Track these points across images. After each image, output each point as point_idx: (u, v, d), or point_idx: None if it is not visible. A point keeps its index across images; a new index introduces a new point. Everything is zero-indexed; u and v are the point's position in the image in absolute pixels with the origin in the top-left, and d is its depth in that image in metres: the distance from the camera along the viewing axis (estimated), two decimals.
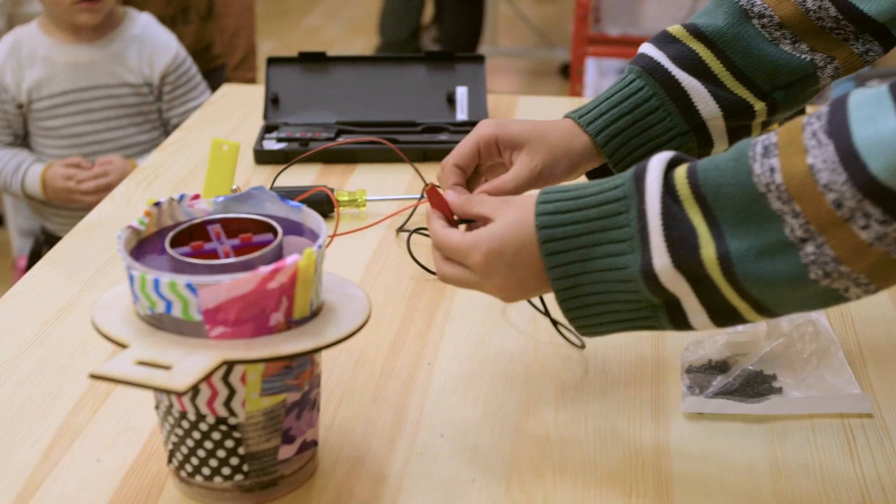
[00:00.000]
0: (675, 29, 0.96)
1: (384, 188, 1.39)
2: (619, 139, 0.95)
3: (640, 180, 0.77)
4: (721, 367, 0.98)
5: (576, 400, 0.96)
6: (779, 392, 0.95)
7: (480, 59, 1.62)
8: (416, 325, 1.08)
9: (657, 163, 0.78)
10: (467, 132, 1.54)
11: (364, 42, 4.92)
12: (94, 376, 0.71)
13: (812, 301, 0.74)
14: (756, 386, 0.96)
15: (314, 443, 0.86)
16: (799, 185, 0.70)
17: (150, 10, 2.08)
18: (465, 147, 0.95)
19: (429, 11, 4.70)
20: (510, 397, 0.96)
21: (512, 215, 0.82)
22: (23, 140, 1.91)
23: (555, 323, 1.03)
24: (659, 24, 3.29)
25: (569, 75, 4.27)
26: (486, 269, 0.82)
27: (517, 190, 0.93)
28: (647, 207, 0.76)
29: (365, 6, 5.53)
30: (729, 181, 0.73)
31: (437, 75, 1.62)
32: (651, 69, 0.95)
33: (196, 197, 0.86)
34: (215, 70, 2.31)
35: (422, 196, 1.21)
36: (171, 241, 0.81)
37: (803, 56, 0.95)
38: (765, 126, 0.98)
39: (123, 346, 0.76)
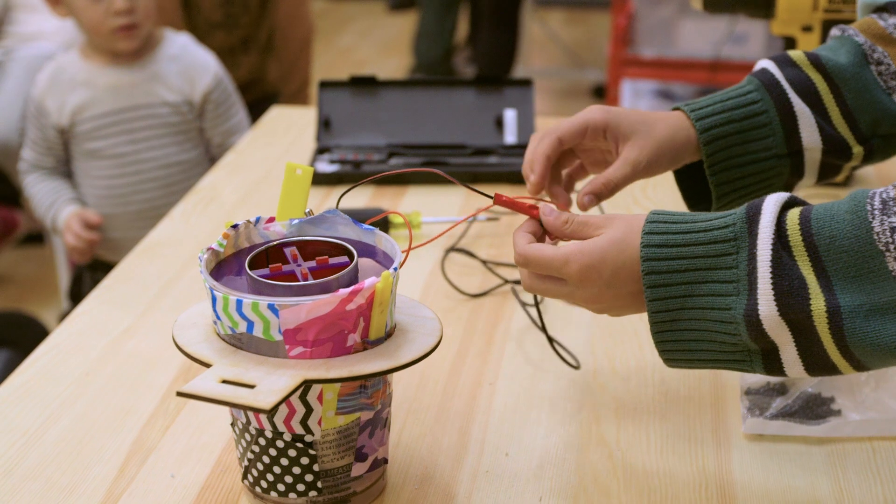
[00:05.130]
0: (797, 54, 0.96)
1: (436, 210, 1.41)
2: (721, 143, 0.94)
3: (752, 223, 0.77)
4: (780, 389, 1.00)
5: (637, 420, 0.98)
6: (838, 414, 0.96)
7: (528, 83, 1.64)
8: (476, 346, 1.10)
9: (771, 205, 0.77)
10: (517, 155, 1.57)
11: (396, 62, 4.96)
12: (181, 394, 0.73)
13: None
14: (815, 408, 0.97)
15: (384, 460, 0.88)
16: None
17: (211, 41, 2.12)
18: (572, 125, 0.93)
19: (462, 32, 4.73)
20: (572, 417, 0.98)
21: (616, 235, 0.81)
22: (65, 164, 1.95)
23: (551, 340, 1.02)
24: (694, 46, 3.31)
25: (602, 96, 4.30)
26: (581, 282, 0.82)
27: (620, 185, 0.93)
28: (758, 252, 0.76)
29: (396, 27, 5.58)
30: (845, 234, 0.74)
31: (485, 98, 1.64)
32: (770, 86, 0.95)
33: (271, 220, 0.88)
34: (268, 98, 2.35)
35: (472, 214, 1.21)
36: (249, 262, 0.83)
37: None
38: (851, 171, 0.98)
39: (206, 365, 0.78)
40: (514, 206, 0.89)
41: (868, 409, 0.96)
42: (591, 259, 0.81)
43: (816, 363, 0.77)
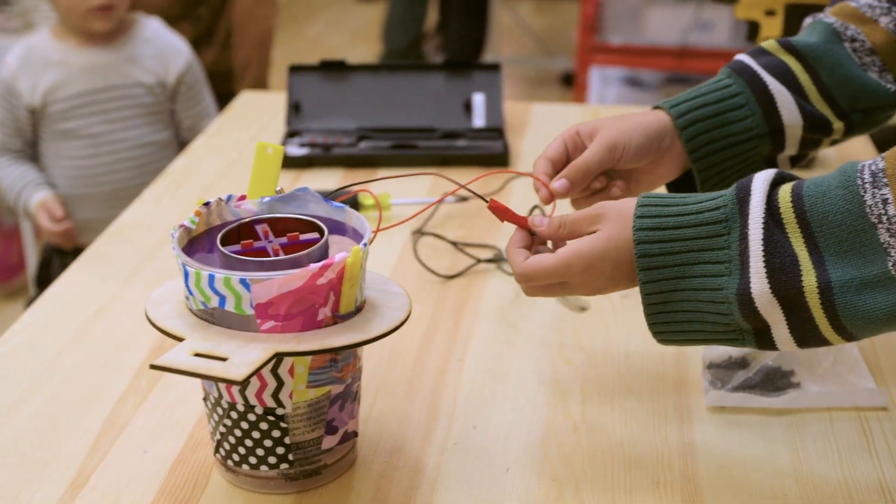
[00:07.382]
0: (769, 43, 0.98)
1: (406, 192, 1.43)
2: (699, 126, 0.96)
3: (743, 203, 0.78)
4: (741, 363, 1.02)
5: (601, 394, 1.00)
6: (797, 387, 0.99)
7: (497, 67, 1.66)
8: (445, 324, 1.12)
9: (760, 184, 0.78)
10: (485, 138, 1.59)
11: (366, 50, 4.96)
12: (154, 367, 0.75)
13: None
14: (775, 381, 1.00)
15: (355, 433, 0.90)
16: None
17: (176, 31, 2.13)
18: (552, 143, 0.96)
19: (431, 20, 4.74)
20: (538, 392, 1.00)
21: (613, 233, 0.82)
22: (32, 146, 1.95)
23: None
24: (661, 33, 3.33)
25: (571, 83, 4.32)
26: (584, 280, 0.83)
27: (590, 166, 0.94)
28: (750, 232, 0.77)
29: (366, 16, 5.58)
30: (837, 209, 0.75)
31: (454, 82, 1.66)
32: (741, 70, 0.97)
33: (242, 198, 0.90)
34: (227, 94, 2.36)
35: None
36: (221, 239, 0.85)
37: (889, 85, 0.97)
38: (832, 144, 1.00)
39: (179, 339, 0.80)
40: (506, 215, 0.89)
41: (826, 382, 0.99)
42: (591, 260, 0.82)
43: (808, 338, 0.78)
